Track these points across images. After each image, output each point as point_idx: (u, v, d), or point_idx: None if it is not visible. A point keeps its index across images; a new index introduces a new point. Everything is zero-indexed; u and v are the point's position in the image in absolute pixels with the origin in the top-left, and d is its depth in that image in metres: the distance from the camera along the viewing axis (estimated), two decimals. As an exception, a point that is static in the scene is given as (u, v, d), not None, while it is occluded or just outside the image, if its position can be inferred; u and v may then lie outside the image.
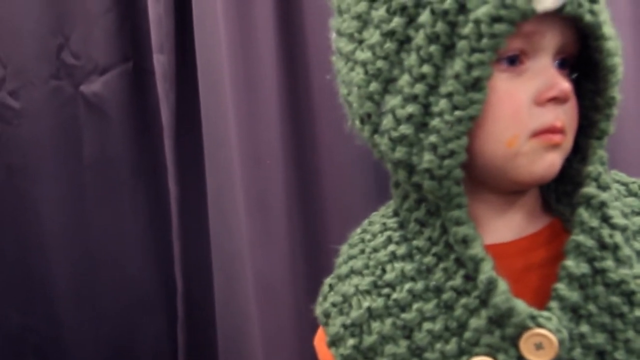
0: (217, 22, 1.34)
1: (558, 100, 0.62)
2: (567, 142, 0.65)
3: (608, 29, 0.62)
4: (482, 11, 0.57)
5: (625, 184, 0.70)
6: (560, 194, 0.69)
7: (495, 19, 0.57)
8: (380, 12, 0.63)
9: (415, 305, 0.66)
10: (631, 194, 0.69)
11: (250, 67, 1.39)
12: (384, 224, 0.73)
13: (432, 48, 0.60)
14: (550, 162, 0.64)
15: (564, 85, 0.62)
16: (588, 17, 0.59)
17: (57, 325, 1.48)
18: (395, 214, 0.73)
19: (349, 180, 1.36)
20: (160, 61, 1.38)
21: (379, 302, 0.68)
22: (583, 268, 0.62)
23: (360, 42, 0.66)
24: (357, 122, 0.68)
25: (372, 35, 0.64)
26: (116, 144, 1.47)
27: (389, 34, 0.62)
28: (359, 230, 0.77)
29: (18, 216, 1.47)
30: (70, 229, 1.48)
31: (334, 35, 0.72)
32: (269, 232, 1.41)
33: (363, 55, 0.65)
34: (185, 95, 1.40)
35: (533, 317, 0.60)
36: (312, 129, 1.40)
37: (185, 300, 1.44)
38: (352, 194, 1.35)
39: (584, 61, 0.65)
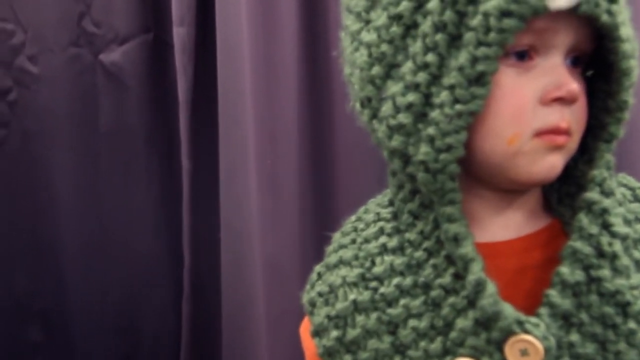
0: None
1: (565, 100, 0.61)
2: (572, 143, 0.63)
3: (625, 31, 0.60)
4: (492, 4, 0.56)
5: (632, 189, 0.69)
6: (563, 195, 0.68)
7: (505, 14, 0.56)
8: None
9: (402, 301, 0.65)
10: (637, 199, 0.68)
11: (270, 45, 1.39)
12: (378, 213, 0.72)
13: (438, 37, 0.59)
14: (551, 164, 0.63)
15: (572, 85, 0.61)
16: (605, 18, 0.58)
17: (63, 293, 1.50)
18: (391, 203, 0.72)
19: (363, 164, 1.36)
20: (180, 34, 1.38)
21: (366, 296, 0.67)
22: (578, 275, 0.61)
23: (367, 22, 0.65)
24: (358, 105, 0.67)
25: (379, 17, 0.63)
26: (132, 114, 1.48)
27: (396, 18, 0.61)
28: (353, 218, 0.76)
29: (31, 181, 1.49)
30: (82, 196, 1.50)
31: (343, 10, 0.70)
32: (280, 213, 1.42)
33: (368, 36, 0.64)
34: (203, 70, 1.40)
35: (520, 323, 0.59)
36: (329, 111, 1.40)
37: (191, 275, 1.44)
38: (365, 178, 1.35)
39: (599, 60, 0.63)
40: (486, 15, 0.56)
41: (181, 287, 1.46)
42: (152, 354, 1.53)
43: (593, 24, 0.59)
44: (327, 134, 1.41)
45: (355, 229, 0.73)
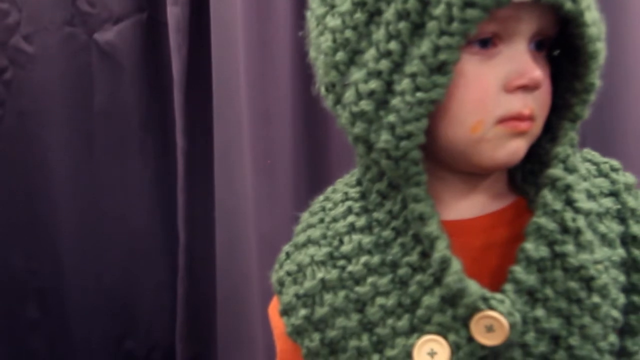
0: None
1: (528, 88, 0.61)
2: (536, 127, 0.64)
3: (590, 15, 0.60)
4: None
5: (596, 164, 0.69)
6: (527, 173, 0.68)
7: (468, 4, 0.56)
8: None
9: (370, 279, 0.66)
10: (601, 174, 0.68)
11: (264, 25, 1.40)
12: (346, 193, 0.72)
13: (401, 25, 0.58)
14: (514, 149, 0.63)
15: (535, 73, 0.61)
16: (569, 5, 0.58)
17: (59, 271, 1.52)
18: (358, 182, 0.72)
19: None
20: (174, 13, 1.38)
21: (334, 274, 0.67)
22: (542, 251, 0.61)
23: (332, 6, 0.64)
24: (322, 89, 0.67)
25: (344, 3, 0.62)
26: (127, 93, 1.49)
27: (360, 4, 0.61)
28: (321, 197, 0.76)
29: (27, 160, 1.50)
30: (78, 175, 1.51)
31: None
32: (274, 193, 1.43)
33: (333, 22, 0.64)
34: (197, 49, 1.40)
35: (485, 299, 0.60)
36: None
37: (186, 254, 1.45)
38: None
39: (566, 40, 0.63)
40: (449, 5, 0.56)
41: (176, 266, 1.47)
42: (147, 332, 1.55)
43: (557, 10, 0.59)
44: (320, 113, 1.35)
45: (323, 209, 0.73)
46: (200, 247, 1.44)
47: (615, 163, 0.70)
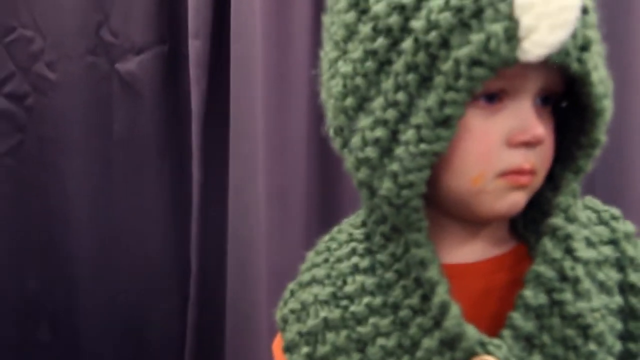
0: (255, 14, 1.36)
1: (530, 144, 0.61)
2: (537, 181, 0.64)
3: (597, 75, 0.60)
4: (463, 52, 0.56)
5: (597, 212, 0.70)
6: (528, 221, 0.69)
7: (475, 62, 0.56)
8: (366, 29, 0.62)
9: (372, 320, 0.66)
10: (602, 222, 0.69)
11: (284, 63, 1.41)
12: (351, 234, 0.72)
13: (410, 77, 0.59)
14: (514, 202, 0.63)
15: (538, 130, 0.61)
16: (575, 66, 0.58)
17: (72, 295, 1.52)
18: (363, 224, 0.72)
19: None
20: (195, 47, 1.40)
21: (336, 313, 0.68)
22: (541, 299, 0.62)
23: (345, 52, 0.64)
24: (331, 131, 0.68)
25: (356, 50, 0.63)
26: (145, 123, 1.49)
27: (371, 53, 0.61)
28: (327, 237, 0.76)
29: (45, 186, 1.51)
30: (94, 202, 1.52)
31: (324, 30, 0.70)
32: (287, 225, 1.44)
33: (345, 67, 0.64)
34: (216, 83, 1.41)
35: (483, 344, 0.61)
36: None
37: (197, 283, 1.46)
38: None
39: (572, 95, 0.64)
40: (457, 61, 0.56)
41: (187, 293, 1.47)
42: (157, 357, 1.55)
43: (564, 70, 0.59)
44: (334, 149, 1.41)
45: (328, 249, 0.74)
46: (212, 276, 1.45)
47: (615, 212, 0.70)
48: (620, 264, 0.67)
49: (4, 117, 1.50)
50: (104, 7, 1.47)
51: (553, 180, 0.66)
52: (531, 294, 0.61)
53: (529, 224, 0.69)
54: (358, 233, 0.72)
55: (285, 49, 1.41)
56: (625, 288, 0.66)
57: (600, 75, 0.61)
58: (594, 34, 0.59)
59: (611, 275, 0.65)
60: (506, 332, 0.61)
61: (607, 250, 0.66)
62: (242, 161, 1.38)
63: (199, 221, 1.45)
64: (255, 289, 1.40)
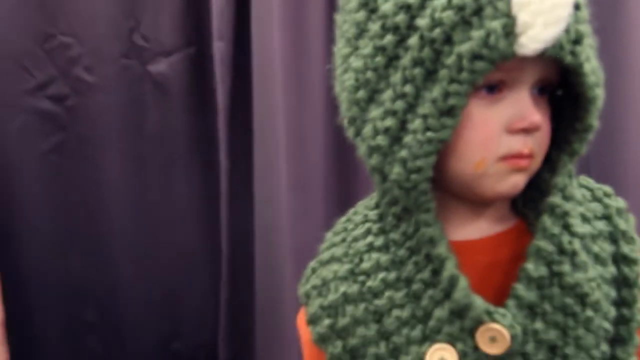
0: (273, 17, 1.41)
1: (528, 130, 0.64)
2: (535, 163, 0.67)
3: (589, 65, 0.62)
4: (465, 47, 0.58)
5: (591, 190, 0.73)
6: (528, 199, 0.71)
7: (476, 57, 0.58)
8: (375, 27, 0.64)
9: (387, 293, 0.68)
10: (595, 199, 0.71)
11: (301, 61, 1.45)
12: (366, 215, 0.75)
13: (416, 71, 0.61)
14: (514, 183, 0.66)
15: (535, 117, 0.63)
16: (569, 59, 0.60)
17: (114, 278, 1.56)
18: (377, 206, 0.74)
19: None
20: (220, 48, 1.44)
21: (354, 288, 0.70)
22: (542, 271, 0.64)
23: (356, 48, 0.66)
24: (345, 122, 0.70)
25: (366, 46, 0.65)
26: (176, 119, 1.53)
27: (381, 49, 0.63)
28: (344, 218, 0.79)
29: (85, 179, 1.54)
30: (131, 192, 1.54)
31: (336, 27, 0.72)
32: (309, 207, 1.48)
33: (356, 62, 0.66)
34: (240, 81, 1.45)
35: (489, 313, 0.63)
36: None
37: (228, 263, 1.50)
38: None
39: (568, 85, 0.66)
40: (460, 56, 0.58)
41: (219, 274, 1.51)
42: (192, 334, 1.58)
43: (559, 62, 0.61)
44: (352, 142, 1.44)
45: (345, 229, 0.76)
46: (241, 258, 1.49)
47: (607, 189, 0.73)
48: (613, 237, 0.69)
49: (48, 117, 1.51)
50: (135, 14, 1.49)
51: (550, 163, 0.68)
52: (533, 267, 0.64)
53: (529, 203, 0.71)
54: (372, 214, 0.74)
55: (302, 48, 1.44)
56: (618, 259, 0.69)
57: (592, 66, 0.63)
58: (585, 28, 0.62)
59: (605, 248, 0.68)
60: (510, 302, 0.64)
61: (601, 225, 0.69)
62: (266, 152, 1.43)
63: (228, 208, 1.49)
64: (281, 269, 1.46)
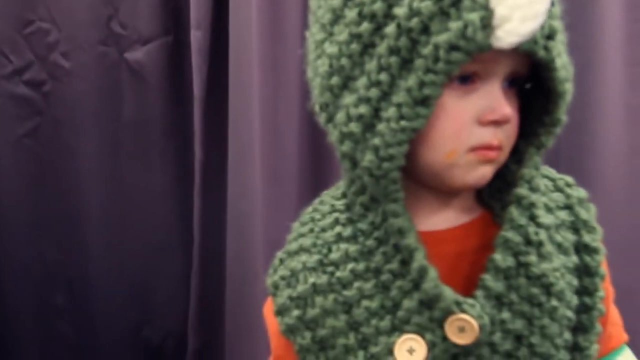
0: (251, 6, 1.41)
1: (498, 122, 0.64)
2: (502, 155, 0.67)
3: (560, 61, 0.63)
4: (442, 38, 0.58)
5: (553, 180, 0.73)
6: (493, 190, 0.71)
7: (453, 47, 0.58)
8: (352, 14, 0.63)
9: (356, 284, 0.68)
10: (557, 189, 0.72)
11: (277, 49, 1.45)
12: (333, 205, 0.74)
13: (392, 59, 0.61)
14: (482, 174, 0.66)
15: (506, 110, 0.64)
16: (542, 53, 0.61)
17: (86, 264, 1.57)
18: (344, 195, 0.74)
19: None
20: (197, 37, 1.44)
21: (323, 279, 0.70)
22: (509, 261, 0.64)
23: (331, 34, 0.66)
24: (317, 107, 0.69)
25: (342, 33, 0.64)
26: (152, 107, 1.54)
27: (356, 36, 0.63)
28: (310, 209, 0.78)
29: (61, 164, 1.55)
30: (105, 178, 1.56)
31: (311, 13, 0.71)
32: (281, 199, 1.47)
33: (330, 49, 0.65)
34: (216, 70, 1.45)
35: (458, 303, 0.63)
36: None
37: (200, 252, 1.51)
38: None
39: (537, 79, 0.66)
40: (436, 46, 0.58)
41: (190, 262, 1.52)
42: (162, 321, 1.60)
43: (531, 56, 0.61)
44: (324, 129, 1.46)
45: (312, 219, 0.75)
46: (213, 246, 1.50)
47: (569, 179, 0.74)
48: (575, 227, 0.70)
49: (24, 102, 1.53)
50: (113, 2, 1.51)
51: (516, 154, 0.69)
52: (500, 257, 0.64)
53: (494, 194, 0.72)
54: (339, 204, 0.74)
55: (278, 38, 1.44)
56: (580, 248, 0.70)
57: (563, 61, 0.63)
58: (558, 24, 0.62)
59: (567, 237, 0.69)
60: (479, 293, 0.65)
61: (563, 215, 0.70)
62: (240, 141, 1.42)
63: (201, 196, 1.49)
64: (253, 259, 1.45)
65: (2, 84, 1.54)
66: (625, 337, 0.77)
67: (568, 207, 0.71)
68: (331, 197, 0.76)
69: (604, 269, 0.70)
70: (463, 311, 0.63)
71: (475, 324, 0.63)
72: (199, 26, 1.45)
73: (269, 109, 1.46)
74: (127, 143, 1.57)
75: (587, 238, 0.70)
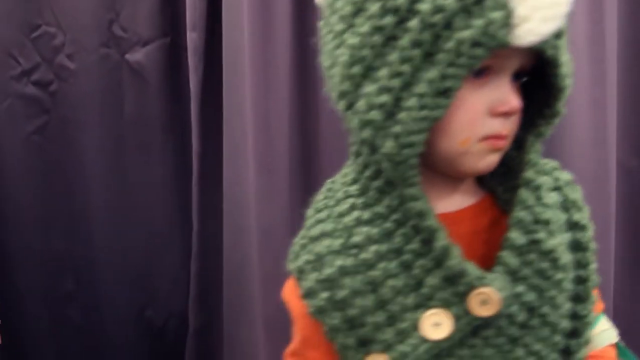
0: (243, 9, 1.43)
1: (508, 114, 0.66)
2: (507, 144, 0.69)
3: (564, 58, 0.65)
4: (466, 34, 0.59)
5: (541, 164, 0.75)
6: (495, 174, 0.73)
7: (476, 44, 0.59)
8: (375, 7, 0.63)
9: (381, 264, 0.69)
10: (545, 173, 0.73)
11: (268, 50, 1.47)
12: (346, 191, 0.74)
13: (415, 52, 0.61)
14: (491, 161, 0.69)
15: (515, 102, 0.66)
16: (550, 51, 0.63)
17: (92, 251, 1.63)
18: (355, 181, 0.74)
19: (344, 150, 1.31)
20: (192, 38, 1.48)
21: (349, 261, 0.70)
22: (523, 239, 0.67)
23: (351, 26, 0.66)
24: (335, 95, 0.69)
25: (363, 25, 0.64)
26: (152, 104, 1.58)
27: (379, 29, 0.63)
28: (321, 196, 0.78)
29: (67, 159, 1.60)
30: (109, 172, 1.61)
31: (326, 5, 0.71)
32: (273, 189, 1.50)
33: (352, 39, 0.65)
34: (211, 69, 1.49)
35: (481, 278, 0.66)
36: (315, 105, 1.48)
37: (198, 239, 1.55)
38: (345, 162, 1.36)
39: (537, 71, 0.68)
40: (460, 42, 0.59)
41: (190, 248, 1.56)
42: (164, 303, 1.65)
43: (540, 53, 0.64)
44: (313, 123, 1.49)
45: (326, 206, 0.75)
46: (210, 233, 1.53)
47: (554, 163, 0.76)
48: (565, 207, 0.73)
49: (32, 101, 1.58)
50: (114, 7, 1.55)
51: (516, 141, 0.71)
52: (516, 236, 0.67)
53: (496, 177, 0.74)
54: (352, 189, 0.74)
55: (269, 39, 1.46)
56: (571, 226, 0.72)
57: (566, 58, 0.66)
58: (565, 25, 0.64)
59: (560, 217, 0.71)
60: (498, 268, 0.67)
61: (555, 196, 0.72)
62: (234, 135, 1.46)
63: (199, 187, 1.53)
64: (247, 244, 1.49)
65: (12, 84, 1.58)
66: (602, 305, 0.80)
67: (557, 189, 0.73)
68: (341, 184, 0.76)
69: (594, 243, 0.73)
70: (486, 285, 0.66)
71: (497, 296, 0.65)
72: (194, 28, 1.48)
73: (261, 105, 1.48)
74: (129, 138, 1.60)
75: (577, 216, 0.73)
